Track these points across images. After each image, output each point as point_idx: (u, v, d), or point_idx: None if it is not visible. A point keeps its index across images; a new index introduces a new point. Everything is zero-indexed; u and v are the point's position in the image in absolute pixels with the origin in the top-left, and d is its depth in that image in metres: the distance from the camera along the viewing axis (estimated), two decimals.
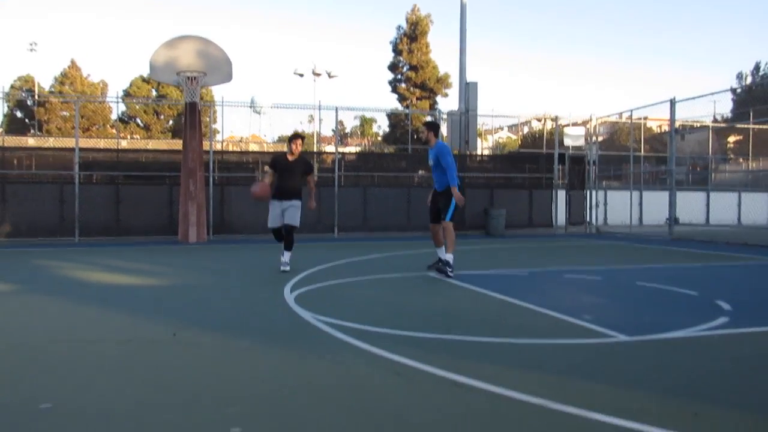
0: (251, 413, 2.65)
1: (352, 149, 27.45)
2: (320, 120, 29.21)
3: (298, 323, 4.54)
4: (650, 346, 3.84)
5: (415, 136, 31.58)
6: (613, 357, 3.61)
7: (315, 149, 24.45)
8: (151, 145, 27.50)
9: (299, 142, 7.69)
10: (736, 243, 12.28)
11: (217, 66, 12.84)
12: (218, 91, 44.46)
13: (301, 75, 33.36)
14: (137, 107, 34.92)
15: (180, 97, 26.87)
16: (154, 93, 35.35)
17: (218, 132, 26.43)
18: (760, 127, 24.74)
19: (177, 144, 18.57)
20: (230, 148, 25.89)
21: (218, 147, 20.00)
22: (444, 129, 17.33)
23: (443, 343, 3.94)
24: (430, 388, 2.98)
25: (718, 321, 4.52)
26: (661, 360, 3.53)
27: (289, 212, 7.45)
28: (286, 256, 7.47)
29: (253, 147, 33.04)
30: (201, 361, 3.52)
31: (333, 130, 16.10)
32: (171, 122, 36.36)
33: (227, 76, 13.05)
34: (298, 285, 6.31)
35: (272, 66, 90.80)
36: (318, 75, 32.83)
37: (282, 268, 7.39)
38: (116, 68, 69.67)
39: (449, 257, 7.02)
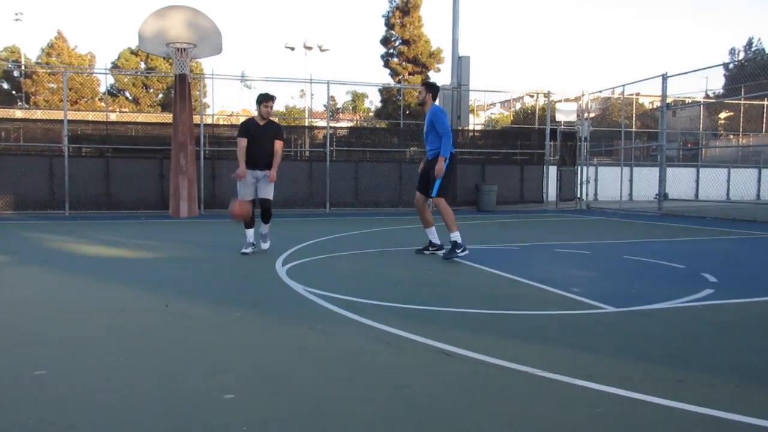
0: (244, 381, 2.69)
1: (343, 124, 27.31)
2: (312, 95, 29.02)
3: (289, 295, 4.57)
4: (636, 317, 3.91)
5: (407, 111, 31.42)
6: (600, 327, 3.68)
7: (307, 124, 24.33)
8: (141, 118, 27.21)
9: (271, 104, 6.79)
10: (724, 218, 12.41)
11: (207, 37, 12.70)
12: (208, 64, 43.92)
13: (293, 48, 32.95)
14: (126, 80, 34.49)
15: (169, 70, 26.55)
16: (142, 65, 34.88)
17: (208, 106, 26.21)
18: (751, 103, 24.81)
19: (167, 117, 18.39)
20: (221, 123, 25.70)
21: (208, 121, 19.85)
22: (436, 104, 17.30)
23: (434, 314, 3.99)
24: (420, 357, 3.03)
25: (703, 293, 4.59)
26: (646, 330, 3.60)
27: (264, 184, 6.81)
28: (265, 228, 7.02)
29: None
30: (194, 330, 3.55)
31: (324, 105, 16.02)
32: (160, 95, 35.96)
33: (217, 48, 12.92)
34: (290, 258, 6.34)
35: (263, 39, 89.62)
36: (309, 49, 32.45)
37: (263, 245, 7.00)
38: (104, 40, 68.58)
39: (455, 236, 6.30)
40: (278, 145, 6.85)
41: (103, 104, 30.19)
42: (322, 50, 32.72)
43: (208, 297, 4.50)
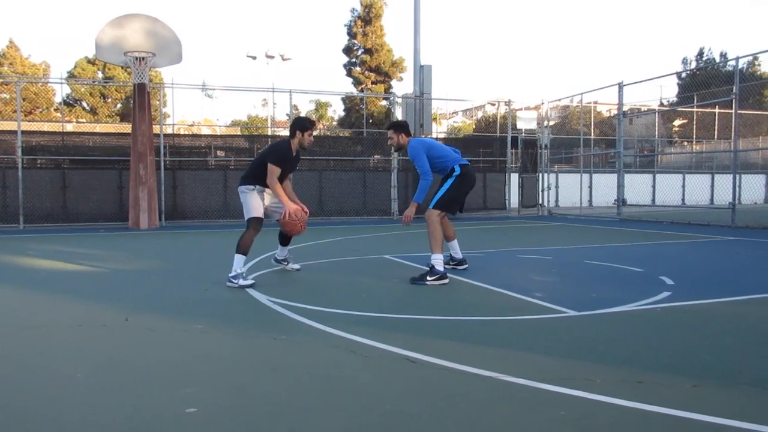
0: (207, 394, 2.64)
1: None
2: (274, 104, 28.85)
3: (252, 305, 4.52)
4: (597, 320, 3.98)
5: (371, 120, 31.48)
6: (562, 331, 3.73)
7: (269, 133, 24.17)
8: (99, 128, 26.66)
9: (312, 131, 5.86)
10: (679, 222, 12.76)
11: (166, 46, 12.53)
12: (168, 73, 43.29)
13: (254, 57, 32.74)
14: (83, 89, 33.74)
15: (128, 79, 26.10)
16: (100, 75, 34.20)
17: (168, 115, 25.84)
18: (704, 110, 25.61)
19: (125, 128, 18.06)
20: (182, 132, 25.35)
21: (169, 131, 19.56)
22: (399, 113, 17.34)
23: (399, 322, 3.99)
24: (385, 365, 3.02)
25: (661, 295, 4.70)
26: (607, 332, 3.66)
27: (279, 208, 5.75)
28: (286, 252, 6.29)
29: (205, 131, 32.41)
30: (154, 344, 3.48)
31: (287, 114, 15.92)
32: (119, 105, 35.29)
33: (177, 57, 12.75)
34: (253, 269, 6.27)
35: (224, 48, 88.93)
36: (271, 57, 32.28)
37: (293, 266, 6.27)
38: (59, 49, 67.07)
39: (436, 259, 5.44)
40: (289, 180, 6.03)
41: (59, 114, 29.47)
42: (284, 59, 32.60)
43: (169, 310, 4.42)
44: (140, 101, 12.27)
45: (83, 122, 30.83)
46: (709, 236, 9.95)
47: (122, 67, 23.13)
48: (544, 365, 2.99)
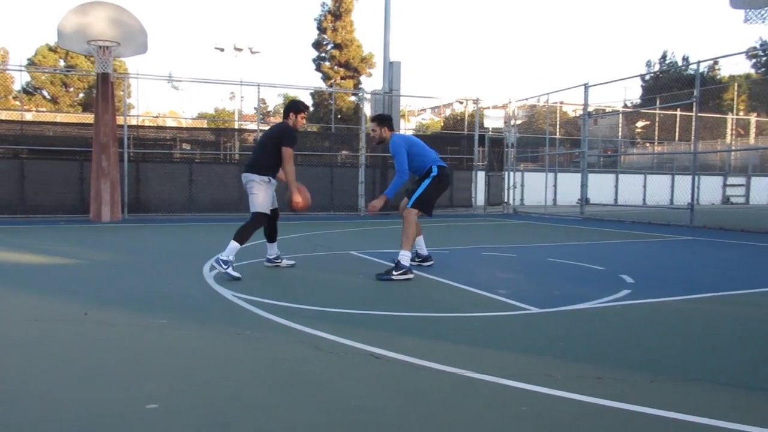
0: (168, 389, 2.60)
1: None
2: (242, 97, 28.54)
3: (216, 300, 4.47)
4: (559, 317, 4.05)
5: (339, 115, 31.39)
6: (525, 328, 3.78)
7: (236, 126, 23.91)
8: (60, 118, 25.99)
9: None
10: (640, 222, 13.05)
11: (132, 36, 12.27)
12: (132, 64, 42.46)
13: (222, 50, 32.27)
14: (43, 78, 32.85)
15: (91, 68, 25.52)
16: (61, 63, 33.30)
17: (133, 107, 25.35)
18: (666, 112, 26.21)
19: (88, 118, 17.66)
20: (146, 124, 24.89)
21: (133, 122, 19.19)
22: (367, 109, 17.35)
23: (363, 317, 3.99)
24: (349, 361, 3.03)
25: (621, 293, 4.81)
26: (568, 329, 3.73)
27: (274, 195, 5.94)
28: (276, 249, 6.16)
29: (171, 123, 31.90)
30: (115, 339, 3.41)
31: (255, 108, 15.78)
32: (81, 95, 34.45)
33: (142, 47, 12.50)
34: None
35: (191, 39, 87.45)
36: (239, 50, 31.86)
37: (287, 262, 6.14)
38: (19, 35, 65.02)
39: (404, 256, 5.43)
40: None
41: (17, 103, 28.64)
42: (252, 52, 32.23)
43: (130, 304, 4.34)
44: (104, 91, 12.00)
45: (43, 111, 30.02)
46: (669, 236, 10.21)
47: (85, 56, 22.59)
48: (507, 361, 3.03)
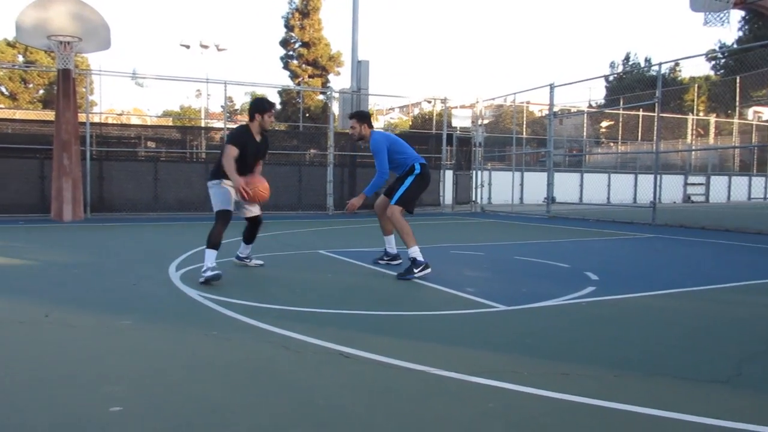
0: (133, 392, 2.56)
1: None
2: (208, 95, 28.20)
3: (183, 301, 4.41)
4: (526, 314, 4.10)
5: (307, 114, 31.22)
6: (492, 325, 3.82)
7: (203, 125, 23.61)
8: (19, 115, 25.30)
9: (273, 113, 5.61)
10: (605, 220, 13.29)
11: (94, 31, 12.00)
12: (95, 60, 41.57)
13: (188, 47, 31.80)
14: (1, 74, 31.94)
15: (51, 64, 24.89)
16: (20, 58, 32.41)
17: (96, 104, 24.83)
18: (629, 113, 26.74)
19: (49, 115, 17.23)
20: (109, 122, 24.40)
21: (96, 119, 18.79)
22: (335, 107, 17.30)
23: (332, 317, 3.98)
24: (318, 360, 3.01)
25: (586, 290, 4.89)
26: (534, 327, 3.78)
27: (250, 204, 5.65)
28: (249, 250, 6.05)
29: (135, 121, 31.34)
30: (77, 341, 3.34)
31: (222, 106, 15.59)
32: (41, 91, 33.59)
33: (105, 43, 12.24)
34: (185, 263, 6.12)
35: (156, 36, 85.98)
36: (206, 47, 31.44)
37: (256, 262, 6.10)
38: None
39: (414, 252, 5.45)
40: (259, 167, 5.67)
41: None
42: (219, 49, 31.84)
43: (93, 305, 4.25)
44: (65, 88, 11.72)
45: (2, 108, 29.19)
46: (632, 233, 10.42)
47: (45, 51, 22.04)
48: (474, 359, 3.05)
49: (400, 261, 6.22)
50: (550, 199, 15.04)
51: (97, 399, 2.46)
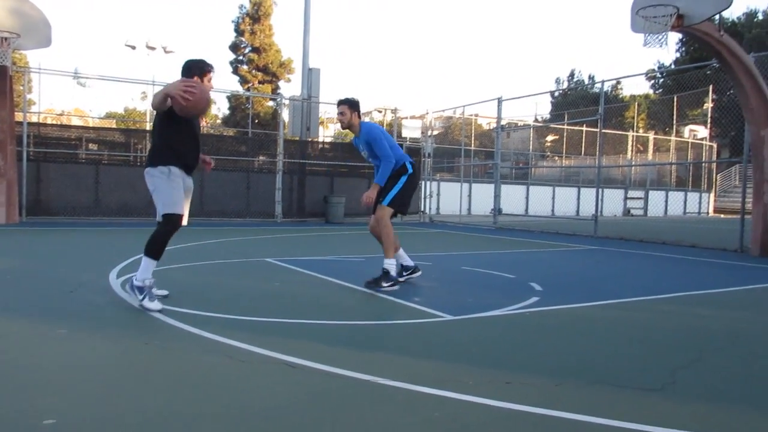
0: (69, 404, 2.46)
1: None
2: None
3: (123, 309, 4.27)
4: (471, 324, 4.15)
5: (256, 120, 30.86)
6: (439, 335, 3.85)
7: (148, 128, 23.04)
8: None
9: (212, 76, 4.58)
10: (549, 232, 13.61)
11: (34, 27, 11.55)
12: (35, 58, 40.06)
13: (133, 47, 31.05)
14: None
15: None
16: None
17: (34, 103, 23.92)
18: (573, 128, 27.52)
19: None
20: (48, 122, 23.54)
21: (34, 119, 18.10)
22: (285, 114, 17.19)
23: (278, 326, 3.94)
24: (264, 370, 2.97)
25: (530, 300, 4.99)
26: (480, 336, 3.83)
27: (187, 196, 4.66)
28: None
29: (76, 122, 30.34)
30: (8, 351, 3.19)
31: None
32: None
33: (45, 41, 11.80)
34: (126, 270, 5.94)
35: (100, 35, 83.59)
36: (152, 49, 30.76)
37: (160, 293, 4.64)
38: None
39: (389, 264, 5.29)
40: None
41: None
42: (166, 51, 31.21)
43: (27, 313, 4.07)
44: (1, 86, 11.24)
45: None
46: (575, 245, 10.70)
47: None
48: (420, 368, 3.07)
49: (420, 272, 5.88)
50: (497, 211, 15.31)
51: (30, 411, 2.35)
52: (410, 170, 5.52)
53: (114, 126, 30.41)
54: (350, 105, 5.50)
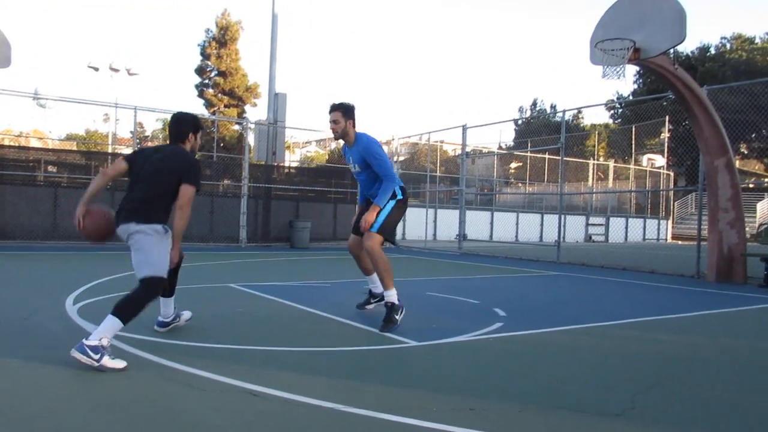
0: None
1: None
2: (117, 119, 27.17)
3: (80, 336, 4.13)
4: (436, 350, 4.15)
5: (221, 144, 30.65)
6: (403, 361, 3.84)
7: (110, 150, 22.70)
8: None
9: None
10: (513, 257, 13.76)
11: None
12: None
13: (96, 69, 30.61)
14: None
15: None
16: None
17: None
18: (536, 156, 28.05)
19: None
20: (6, 143, 22.99)
21: None
22: (251, 138, 17.11)
23: (240, 353, 3.88)
24: (225, 399, 2.91)
25: (494, 326, 5.02)
26: (444, 362, 3.83)
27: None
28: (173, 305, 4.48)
29: (35, 143, 29.71)
30: None
31: (131, 132, 15.05)
32: None
33: (4, 61, 11.57)
34: (83, 296, 5.79)
35: (62, 56, 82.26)
36: (116, 71, 30.37)
37: (186, 316, 4.66)
38: None
39: (391, 296, 4.79)
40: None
41: None
42: (130, 74, 30.87)
43: None
44: None
45: None
46: (538, 271, 10.84)
47: None
48: (384, 395, 3.05)
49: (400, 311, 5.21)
50: (462, 236, 15.43)
51: None
52: (400, 195, 5.02)
53: (74, 148, 29.85)
54: (344, 111, 4.91)
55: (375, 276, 5.34)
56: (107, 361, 3.32)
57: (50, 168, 15.03)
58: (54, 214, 12.88)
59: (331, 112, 4.96)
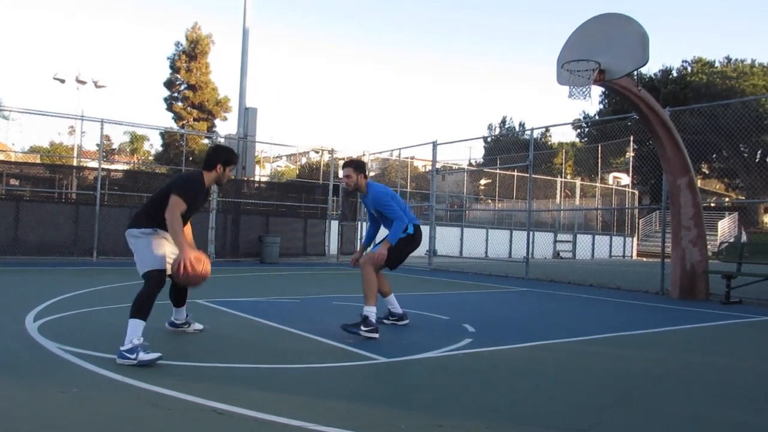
0: None
1: (119, 167, 25.39)
2: (83, 132, 26.71)
3: (39, 354, 4.04)
4: (405, 367, 4.14)
5: (191, 158, 30.35)
6: (372, 378, 3.82)
7: (75, 164, 22.29)
8: None
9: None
10: (482, 273, 13.86)
11: None
12: None
13: (63, 81, 30.06)
14: None
15: None
16: None
17: None
18: (505, 172, 28.39)
19: None
20: None
21: None
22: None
23: (207, 371, 3.81)
24: (190, 418, 2.86)
25: (464, 341, 5.03)
26: (413, 378, 3.82)
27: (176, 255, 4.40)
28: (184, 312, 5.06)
29: None
30: None
31: (97, 145, 14.79)
32: None
33: None
34: (44, 313, 5.63)
35: (27, 67, 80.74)
36: (83, 83, 29.88)
37: (195, 327, 5.11)
38: None
39: (369, 311, 5.08)
40: (189, 226, 4.94)
41: None
42: (97, 86, 30.43)
43: None
44: None
45: None
46: (507, 287, 10.92)
47: None
48: (353, 412, 3.03)
49: (407, 321, 5.86)
50: (432, 252, 15.48)
51: None
52: (410, 231, 5.55)
53: (38, 161, 29.22)
54: (355, 167, 5.55)
55: (392, 297, 5.86)
56: (143, 356, 3.79)
57: (12, 181, 14.69)
58: (15, 228, 12.55)
59: (344, 167, 5.62)
